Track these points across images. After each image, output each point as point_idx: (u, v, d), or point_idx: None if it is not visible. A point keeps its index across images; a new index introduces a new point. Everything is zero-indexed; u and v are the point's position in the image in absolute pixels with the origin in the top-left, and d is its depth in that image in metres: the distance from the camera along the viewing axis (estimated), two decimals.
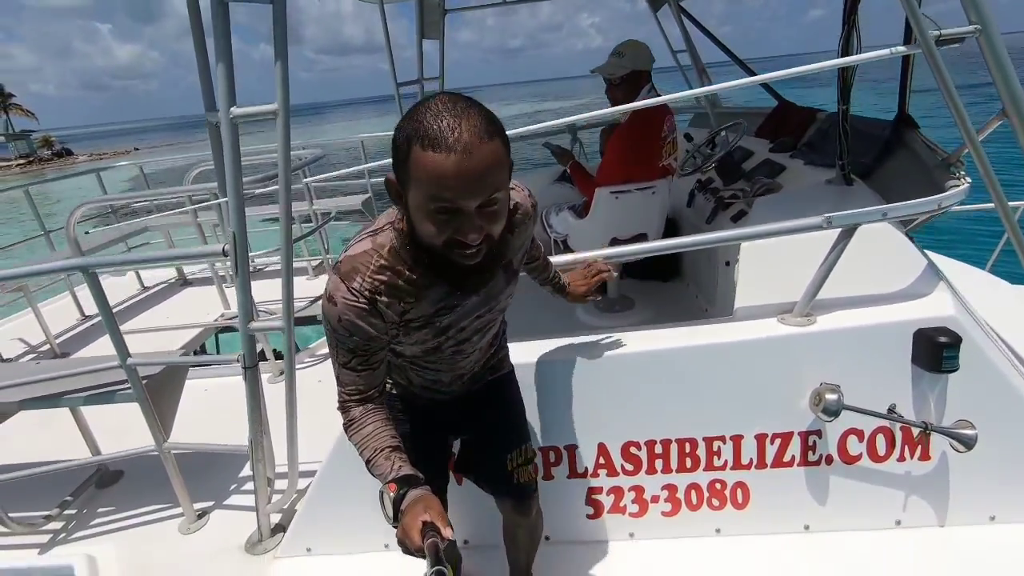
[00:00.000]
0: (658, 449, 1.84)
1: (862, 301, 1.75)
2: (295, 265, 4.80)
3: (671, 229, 3.48)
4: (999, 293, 3.33)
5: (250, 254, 1.84)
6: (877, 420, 1.75)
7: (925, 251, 1.87)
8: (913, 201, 1.60)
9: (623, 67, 2.60)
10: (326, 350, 3.51)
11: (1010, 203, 1.66)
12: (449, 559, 0.97)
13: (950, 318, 1.64)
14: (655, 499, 1.90)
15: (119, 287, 4.94)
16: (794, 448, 1.80)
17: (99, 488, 2.45)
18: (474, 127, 0.94)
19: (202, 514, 2.23)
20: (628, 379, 1.78)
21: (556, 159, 3.11)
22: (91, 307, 4.40)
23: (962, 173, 1.76)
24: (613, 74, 2.63)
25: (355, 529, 1.94)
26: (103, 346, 3.73)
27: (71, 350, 3.81)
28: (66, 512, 2.29)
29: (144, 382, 1.99)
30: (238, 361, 1.87)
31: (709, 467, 1.85)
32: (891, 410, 1.71)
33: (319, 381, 3.08)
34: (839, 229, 1.63)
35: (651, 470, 1.86)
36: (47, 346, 3.74)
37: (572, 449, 1.86)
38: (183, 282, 5.05)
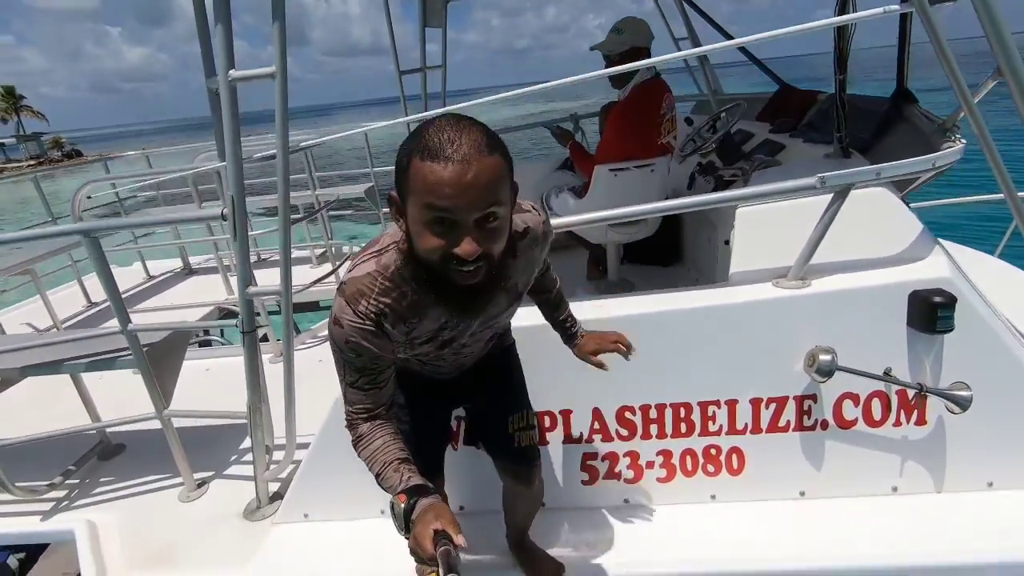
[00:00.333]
0: (653, 414, 1.84)
1: (857, 265, 1.75)
2: (299, 254, 4.86)
3: (672, 215, 3.48)
4: (1012, 277, 3.27)
5: (252, 236, 1.87)
6: (872, 384, 1.74)
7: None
8: (907, 160, 1.60)
9: (622, 44, 2.61)
10: (326, 332, 3.55)
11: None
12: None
13: (945, 280, 1.64)
14: (650, 465, 1.90)
15: (125, 276, 4.99)
16: (789, 413, 1.80)
17: (101, 460, 2.48)
18: (474, 141, 0.95)
19: (201, 483, 2.25)
20: None
21: (556, 140, 3.12)
22: (97, 294, 4.45)
23: (958, 136, 1.75)
24: (612, 51, 2.65)
25: (351, 496, 1.95)
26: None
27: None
28: (68, 481, 2.32)
29: (145, 350, 2.02)
30: (237, 326, 1.89)
31: (704, 432, 1.85)
32: (887, 373, 1.71)
33: (319, 361, 3.10)
34: (833, 192, 1.63)
35: (646, 435, 1.86)
36: (54, 330, 3.78)
37: (567, 414, 1.87)
38: (188, 271, 5.10)
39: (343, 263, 3.96)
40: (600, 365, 1.53)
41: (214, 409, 2.26)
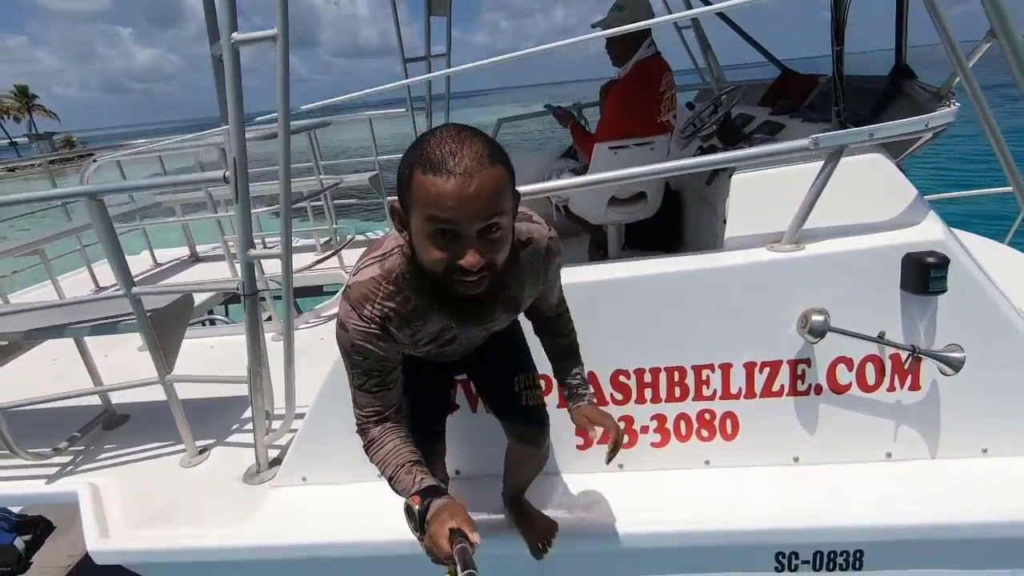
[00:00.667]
0: (647, 378, 1.85)
1: (852, 229, 1.76)
2: (304, 242, 4.90)
3: (674, 200, 3.50)
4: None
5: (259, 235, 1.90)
6: (866, 349, 1.75)
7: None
8: (899, 121, 1.61)
9: (623, 21, 2.63)
10: (329, 312, 3.58)
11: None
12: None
13: (939, 242, 1.65)
14: (644, 430, 1.91)
15: (133, 263, 5.01)
16: (783, 377, 1.81)
17: (105, 429, 2.52)
18: (475, 152, 0.95)
19: (203, 450, 2.28)
20: (617, 306, 1.80)
21: (557, 120, 3.14)
22: (105, 279, 4.51)
23: (953, 101, 1.76)
24: (614, 27, 2.67)
25: (348, 460, 1.97)
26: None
27: None
28: (73, 448, 2.35)
29: (148, 315, 2.05)
30: (238, 289, 1.92)
31: (698, 397, 1.86)
32: (880, 336, 1.72)
33: (321, 339, 3.13)
34: (826, 155, 1.65)
35: (640, 399, 1.88)
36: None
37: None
38: (195, 259, 5.15)
39: (345, 245, 4.00)
40: (589, 429, 1.46)
41: (218, 388, 2.31)
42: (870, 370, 1.78)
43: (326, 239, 4.85)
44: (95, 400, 2.55)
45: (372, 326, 1.16)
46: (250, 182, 1.85)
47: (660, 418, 1.89)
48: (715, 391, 1.85)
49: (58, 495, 2.11)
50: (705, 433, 1.89)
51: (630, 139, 2.68)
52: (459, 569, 0.97)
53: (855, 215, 1.78)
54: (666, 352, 1.83)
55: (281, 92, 1.73)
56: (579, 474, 1.96)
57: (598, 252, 3.38)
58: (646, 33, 2.65)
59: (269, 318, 4.26)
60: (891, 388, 1.79)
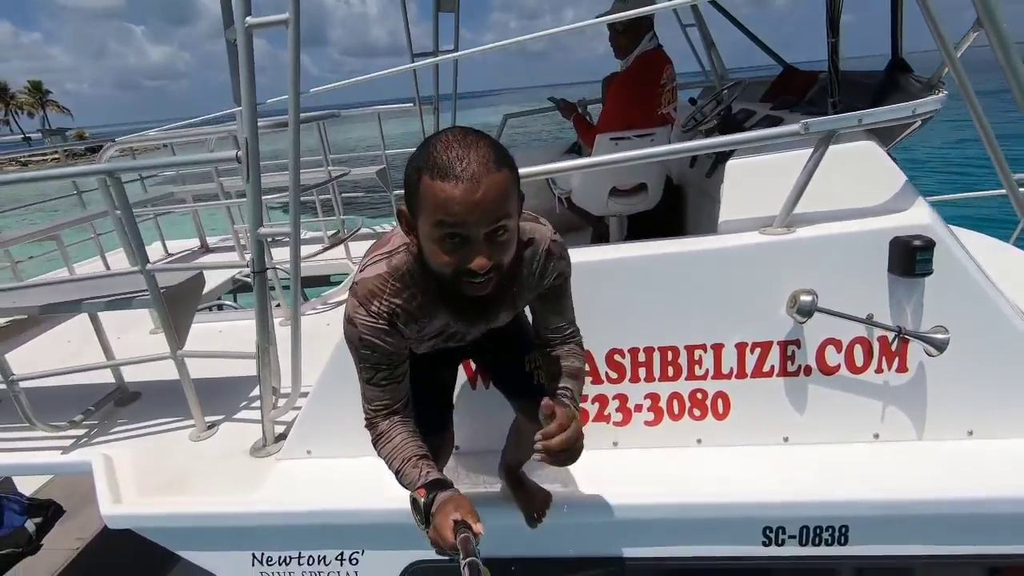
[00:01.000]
0: (641, 357, 1.91)
1: (842, 214, 1.81)
2: (312, 234, 4.98)
3: (676, 194, 3.55)
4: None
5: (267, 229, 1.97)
6: (855, 330, 1.80)
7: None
8: (888, 107, 1.66)
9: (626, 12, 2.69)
10: (336, 299, 3.66)
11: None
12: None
13: (926, 226, 1.69)
14: (638, 408, 1.97)
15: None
16: (773, 358, 1.86)
17: (117, 406, 2.59)
18: (482, 157, 0.98)
19: (211, 425, 2.36)
20: (613, 286, 1.86)
21: (560, 112, 3.21)
22: (117, 266, 4.61)
23: (942, 89, 1.81)
24: (617, 22, 2.73)
25: (351, 434, 2.03)
26: None
27: None
28: (87, 422, 2.43)
29: (162, 291, 2.13)
30: (248, 266, 2.00)
31: (691, 376, 1.91)
32: (868, 319, 1.77)
33: (327, 324, 3.20)
34: (815, 138, 1.70)
35: (635, 378, 1.93)
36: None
37: None
38: (205, 249, 5.25)
39: (351, 236, 4.08)
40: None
41: (226, 370, 2.38)
42: (858, 352, 1.83)
43: (333, 231, 4.93)
44: (108, 378, 2.63)
45: (380, 321, 1.18)
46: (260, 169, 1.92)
47: (653, 397, 1.95)
48: (707, 371, 1.90)
49: (73, 465, 2.18)
50: (697, 412, 1.94)
51: (631, 130, 2.74)
52: (462, 558, 1.00)
53: (845, 200, 1.83)
54: (660, 332, 1.89)
55: (292, 75, 1.81)
56: None
57: (599, 245, 3.43)
58: (648, 26, 2.71)
59: (278, 305, 4.35)
60: (879, 370, 1.83)
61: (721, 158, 2.87)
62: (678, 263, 1.83)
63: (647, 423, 1.97)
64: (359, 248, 4.37)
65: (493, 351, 1.61)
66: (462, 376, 2.00)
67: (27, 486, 4.88)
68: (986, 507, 1.69)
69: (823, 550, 1.75)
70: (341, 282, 3.89)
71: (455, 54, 2.88)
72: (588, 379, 1.95)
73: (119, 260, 4.64)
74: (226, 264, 3.83)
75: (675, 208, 3.51)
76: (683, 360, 1.90)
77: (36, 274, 4.74)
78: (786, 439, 1.93)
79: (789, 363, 1.86)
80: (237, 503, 1.93)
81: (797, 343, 1.84)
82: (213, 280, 3.97)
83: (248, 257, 4.07)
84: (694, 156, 3.39)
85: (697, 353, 1.89)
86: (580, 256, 1.85)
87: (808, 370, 1.86)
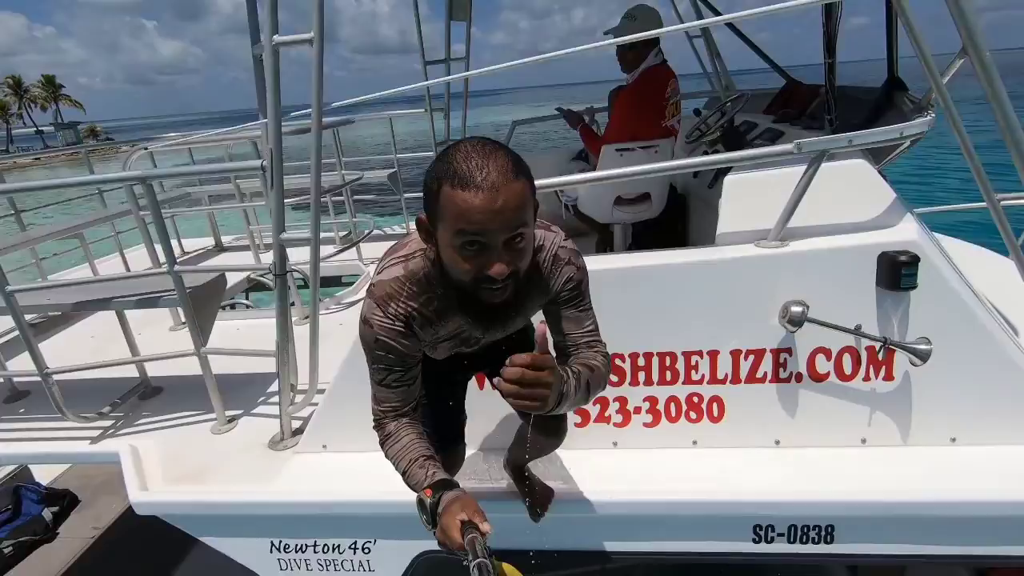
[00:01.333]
0: (640, 361, 2.01)
1: (833, 229, 1.90)
2: (324, 235, 5.10)
3: (680, 203, 3.65)
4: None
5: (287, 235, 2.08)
6: (844, 340, 1.90)
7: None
8: (876, 129, 1.76)
9: (634, 30, 2.79)
10: (350, 299, 3.77)
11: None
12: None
13: (912, 242, 1.79)
14: (637, 410, 2.07)
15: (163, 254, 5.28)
16: (766, 364, 1.96)
17: (141, 400, 2.72)
18: (501, 167, 1.00)
19: (231, 419, 2.48)
20: (615, 293, 1.96)
21: (567, 122, 3.31)
22: (136, 264, 4.74)
23: (931, 112, 1.90)
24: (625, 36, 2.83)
25: (365, 430, 2.14)
26: None
27: None
28: (113, 414, 2.55)
29: (188, 291, 2.25)
30: (270, 270, 2.11)
31: (687, 381, 2.01)
32: (856, 329, 1.86)
33: (340, 324, 3.32)
34: (808, 157, 1.80)
35: (634, 382, 2.04)
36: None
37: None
38: (220, 248, 5.38)
39: (364, 238, 4.19)
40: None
41: (244, 366, 2.50)
42: (847, 360, 1.92)
43: (345, 232, 5.05)
44: (131, 373, 2.75)
45: (397, 323, 1.20)
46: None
47: (652, 400, 2.05)
48: (703, 376, 2.00)
49: (101, 454, 2.31)
50: (693, 415, 2.04)
51: (636, 142, 2.84)
52: (471, 559, 1.00)
53: (837, 215, 1.92)
54: (659, 338, 1.99)
55: (316, 89, 1.92)
56: (576, 450, 2.11)
57: (604, 251, 3.53)
58: (654, 42, 2.81)
59: (292, 304, 4.47)
60: (866, 378, 1.93)
61: (722, 171, 2.97)
62: (677, 273, 1.93)
63: (646, 425, 2.08)
64: (370, 249, 4.49)
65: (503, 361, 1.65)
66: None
67: (44, 476, 5.01)
68: (967, 510, 1.78)
69: (810, 548, 1.84)
70: (353, 283, 4.01)
71: (466, 73, 2.99)
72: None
73: (138, 257, 4.78)
74: (248, 267, 3.96)
75: (679, 216, 3.61)
76: (680, 365, 2.00)
77: (58, 270, 4.89)
78: (778, 442, 2.02)
79: (781, 370, 1.96)
80: (257, 493, 2.05)
81: (789, 351, 1.94)
82: (229, 281, 4.11)
83: (263, 258, 4.22)
84: None
85: (694, 359, 1.99)
86: (590, 264, 1.96)
87: (799, 377, 1.96)
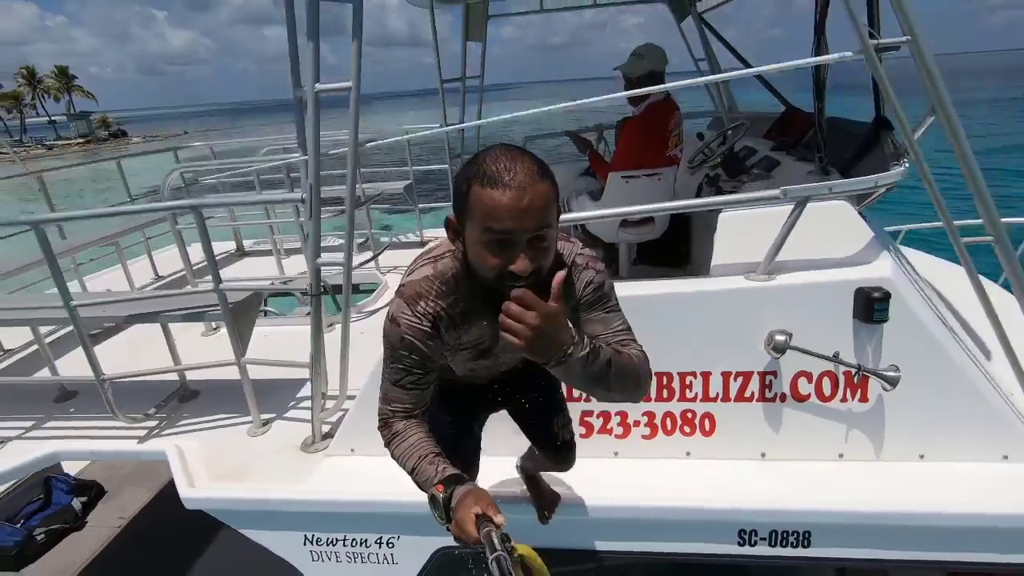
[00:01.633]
0: None
1: (816, 264, 2.11)
2: (340, 241, 5.34)
3: (682, 220, 3.85)
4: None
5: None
6: (823, 364, 2.10)
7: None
8: (854, 179, 1.96)
9: (642, 67, 3.01)
10: (371, 307, 4.00)
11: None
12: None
13: (886, 279, 1.99)
14: (636, 424, 2.28)
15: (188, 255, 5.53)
16: (753, 385, 2.17)
17: (180, 402, 2.95)
18: (528, 169, 1.06)
19: (265, 423, 2.70)
20: None
21: (576, 147, 3.52)
22: (165, 268, 4.99)
23: (905, 161, 2.10)
24: (633, 73, 3.05)
25: None
26: None
27: None
28: (157, 415, 2.79)
29: (230, 306, 2.47)
30: (307, 291, 2.34)
31: (682, 398, 2.23)
32: (835, 356, 2.07)
33: (361, 333, 3.53)
34: (793, 201, 2.01)
35: None
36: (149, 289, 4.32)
37: None
38: (241, 253, 5.61)
39: (383, 250, 4.42)
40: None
41: (272, 370, 2.73)
42: (826, 383, 2.13)
43: (361, 240, 5.29)
44: (170, 376, 2.98)
45: (424, 322, 1.23)
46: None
47: (650, 415, 2.26)
48: (696, 394, 2.21)
49: (149, 453, 2.54)
50: (687, 429, 2.26)
51: (640, 169, 3.05)
52: (488, 553, 1.01)
53: (820, 252, 2.13)
54: (657, 359, 2.17)
55: (352, 128, 2.15)
56: (581, 458, 2.30)
57: (609, 267, 3.74)
58: (660, 78, 3.02)
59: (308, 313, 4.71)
60: (844, 399, 2.14)
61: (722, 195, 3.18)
62: (675, 301, 2.14)
63: (644, 437, 2.29)
64: (386, 259, 4.72)
65: (523, 409, 1.76)
66: None
67: (71, 467, 5.26)
68: (933, 520, 1.98)
69: (788, 551, 2.06)
70: (372, 291, 4.23)
71: (480, 121, 3.20)
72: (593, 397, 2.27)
73: (167, 258, 5.05)
74: (286, 288, 4.20)
75: (681, 234, 3.81)
76: (676, 384, 2.21)
77: (91, 273, 5.13)
78: (763, 455, 2.23)
79: (767, 390, 2.17)
80: (292, 491, 2.28)
81: (774, 373, 2.15)
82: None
83: (284, 264, 4.43)
84: (699, 187, 3.70)
85: (688, 379, 2.20)
86: None
87: (783, 397, 2.17)
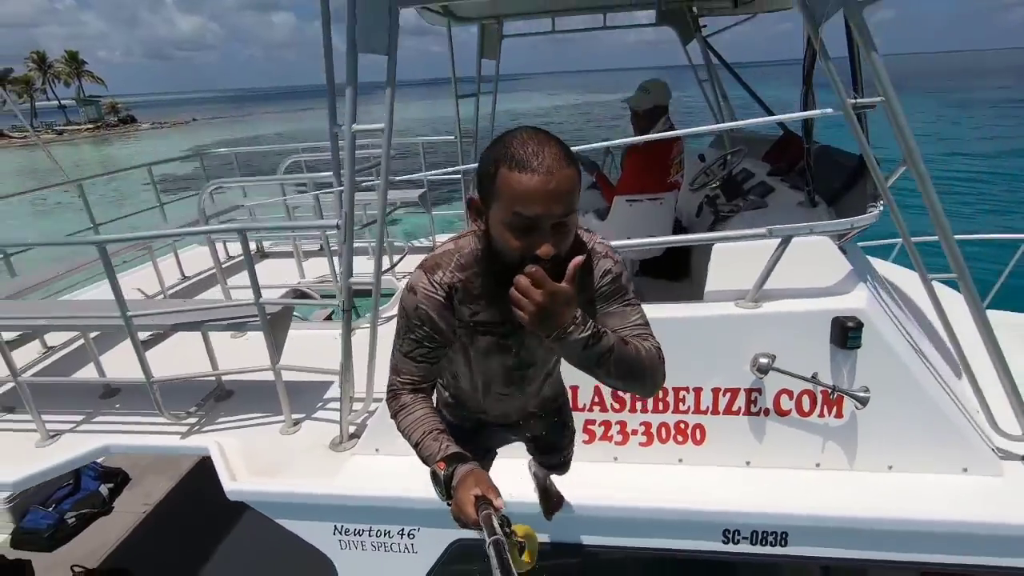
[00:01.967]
0: None
1: (798, 294, 2.35)
2: (358, 245, 5.59)
3: (683, 234, 4.08)
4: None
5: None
6: (803, 384, 2.35)
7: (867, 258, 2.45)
8: (832, 221, 2.21)
9: (648, 101, 3.24)
10: (388, 313, 4.25)
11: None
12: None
13: (859, 310, 2.23)
14: (634, 432, 2.53)
15: (204, 256, 5.77)
16: (740, 401, 2.41)
17: (217, 401, 3.21)
18: (555, 154, 1.07)
19: (297, 422, 2.96)
20: None
21: (583, 168, 3.75)
22: (191, 268, 5.26)
23: (880, 204, 2.33)
24: (639, 106, 3.28)
25: None
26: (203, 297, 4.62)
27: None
28: (197, 413, 3.05)
29: (268, 317, 2.73)
30: (340, 305, 2.59)
31: (676, 410, 2.47)
32: (813, 377, 2.31)
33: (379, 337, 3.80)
34: (779, 238, 2.25)
35: (632, 409, 2.50)
36: (160, 296, 4.58)
37: (575, 388, 2.51)
38: (262, 254, 5.86)
39: (402, 258, 4.66)
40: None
41: (299, 374, 3.00)
42: (805, 400, 2.37)
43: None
44: (208, 377, 3.24)
45: (439, 291, 1.24)
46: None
47: (647, 424, 2.51)
48: (689, 407, 2.46)
49: (193, 448, 2.80)
50: (680, 438, 2.51)
51: (644, 194, 3.28)
52: (487, 535, 1.01)
53: (802, 283, 2.36)
54: None
55: (384, 165, 2.39)
56: (583, 462, 2.55)
57: None
58: (664, 111, 3.24)
59: (329, 316, 4.98)
60: (821, 415, 2.38)
61: (720, 218, 3.41)
62: (671, 325, 2.38)
63: (641, 444, 2.54)
64: (400, 265, 4.97)
65: (536, 443, 1.92)
66: None
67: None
68: (900, 525, 2.21)
69: (767, 549, 2.31)
70: (389, 296, 4.48)
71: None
72: (597, 407, 2.52)
73: (193, 257, 5.31)
74: (322, 304, 4.49)
75: (682, 249, 4.04)
76: (671, 398, 2.46)
77: (122, 272, 5.40)
78: (748, 463, 2.48)
79: (752, 405, 2.41)
80: (324, 486, 2.53)
81: (759, 391, 2.39)
82: (276, 293, 4.61)
83: (305, 266, 4.68)
84: (699, 206, 3.94)
85: (682, 393, 2.45)
86: None
87: (767, 412, 2.41)
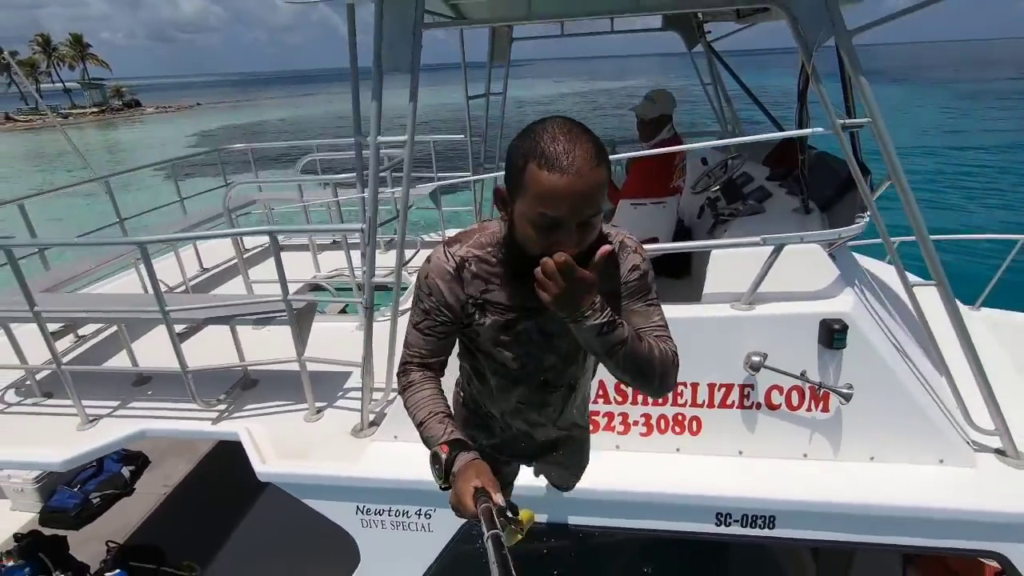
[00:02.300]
0: None
1: (789, 297, 2.53)
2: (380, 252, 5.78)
3: (685, 236, 4.25)
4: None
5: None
6: (792, 380, 2.54)
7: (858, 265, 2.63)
8: (822, 231, 2.38)
9: (654, 110, 3.40)
10: (402, 307, 4.44)
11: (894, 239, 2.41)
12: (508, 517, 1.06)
13: (844, 313, 2.41)
14: (635, 423, 2.73)
15: (223, 248, 5.96)
16: (734, 395, 2.61)
17: (243, 390, 3.42)
18: (586, 153, 1.04)
19: (319, 410, 3.17)
20: None
21: None
22: (209, 260, 5.45)
23: (865, 215, 2.51)
24: (645, 115, 3.44)
25: None
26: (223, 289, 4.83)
27: (201, 291, 4.85)
28: (226, 400, 3.26)
29: (294, 312, 2.92)
30: (362, 302, 2.78)
31: (674, 404, 2.67)
32: (802, 374, 2.50)
33: None
34: (771, 246, 2.43)
35: (634, 402, 2.69)
36: (183, 287, 4.77)
37: None
38: (278, 248, 6.04)
39: (416, 254, 4.84)
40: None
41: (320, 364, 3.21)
42: (795, 395, 2.56)
43: (389, 239, 5.71)
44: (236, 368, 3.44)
45: (451, 262, 1.25)
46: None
47: (647, 416, 2.71)
48: (687, 401, 2.65)
49: (223, 433, 3.01)
50: (678, 429, 2.70)
51: (648, 198, 3.46)
52: (484, 529, 1.01)
53: (793, 287, 2.55)
54: None
55: (406, 177, 2.57)
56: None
57: None
58: (669, 119, 3.41)
59: (343, 310, 5.19)
60: (809, 409, 2.57)
61: (720, 221, 3.59)
62: (672, 324, 2.54)
63: (641, 434, 2.74)
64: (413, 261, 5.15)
65: (553, 469, 2.00)
66: None
67: None
68: (881, 511, 2.41)
69: (756, 531, 2.51)
70: (403, 290, 4.67)
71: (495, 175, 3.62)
72: (601, 400, 2.72)
73: (211, 248, 5.51)
74: (345, 300, 4.70)
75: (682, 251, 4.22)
76: (670, 392, 2.64)
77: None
78: (740, 452, 2.68)
79: (745, 400, 2.60)
80: (347, 469, 2.74)
81: (752, 386, 2.58)
82: (292, 287, 4.80)
83: (320, 259, 4.85)
84: (701, 209, 4.11)
85: (679, 388, 2.64)
86: None
87: (759, 405, 2.60)
